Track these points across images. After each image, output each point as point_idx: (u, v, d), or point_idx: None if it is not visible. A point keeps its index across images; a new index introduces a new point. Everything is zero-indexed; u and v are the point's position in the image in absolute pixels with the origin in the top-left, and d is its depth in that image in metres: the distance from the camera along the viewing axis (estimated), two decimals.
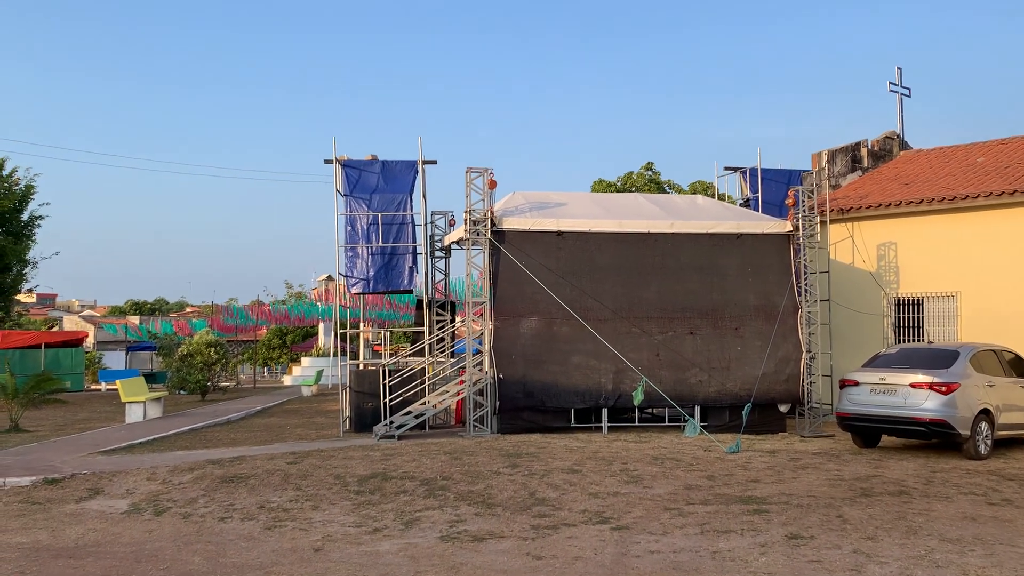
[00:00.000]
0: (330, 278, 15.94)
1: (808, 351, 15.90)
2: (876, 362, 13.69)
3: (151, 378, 40.75)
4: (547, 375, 14.99)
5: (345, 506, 9.50)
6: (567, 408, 15.13)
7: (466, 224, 15.07)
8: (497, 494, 9.83)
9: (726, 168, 19.41)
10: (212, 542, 8.28)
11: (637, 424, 15.81)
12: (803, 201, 16.23)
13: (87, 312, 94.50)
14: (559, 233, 15.33)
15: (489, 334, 15.00)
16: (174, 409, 22.96)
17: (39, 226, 33.53)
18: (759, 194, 18.61)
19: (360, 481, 10.48)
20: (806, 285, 16.15)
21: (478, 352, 15.44)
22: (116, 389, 26.26)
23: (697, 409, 15.20)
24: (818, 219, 16.48)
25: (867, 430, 13.34)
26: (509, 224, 15.19)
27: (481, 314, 15.44)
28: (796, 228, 16.20)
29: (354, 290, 16.59)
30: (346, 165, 16.85)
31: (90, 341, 58.10)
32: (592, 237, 15.43)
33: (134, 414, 19.79)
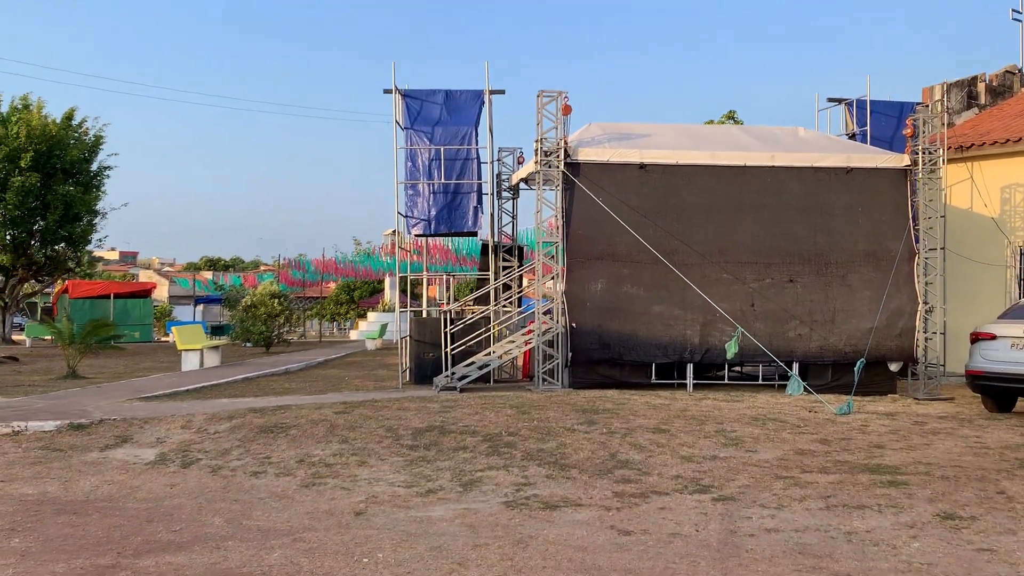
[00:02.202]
0: (395, 232, 14.86)
1: (925, 303, 13.92)
2: (1013, 313, 11.73)
3: (219, 330, 40.68)
4: (625, 325, 13.43)
5: (396, 463, 8.21)
6: (647, 362, 13.55)
7: (537, 155, 13.50)
8: (572, 454, 8.40)
9: (829, 100, 17.29)
10: (238, 500, 7.08)
11: (726, 382, 14.15)
12: (923, 132, 14.13)
13: (165, 269, 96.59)
14: (642, 166, 13.63)
15: (561, 278, 13.49)
16: (236, 359, 22.26)
17: (108, 176, 33.38)
18: (867, 128, 16.47)
19: (415, 435, 9.19)
20: (927, 229, 14.11)
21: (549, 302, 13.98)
22: None
23: (795, 366, 13.45)
24: (941, 152, 14.36)
25: (1005, 391, 11.41)
26: (585, 155, 13.55)
27: (553, 257, 13.93)
28: (914, 163, 14.14)
29: (415, 231, 15.24)
30: (407, 95, 15.41)
31: (163, 295, 58.88)
32: (680, 171, 13.68)
33: (190, 362, 19.03)
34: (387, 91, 15.31)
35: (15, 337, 33.85)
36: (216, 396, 12.81)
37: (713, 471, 7.83)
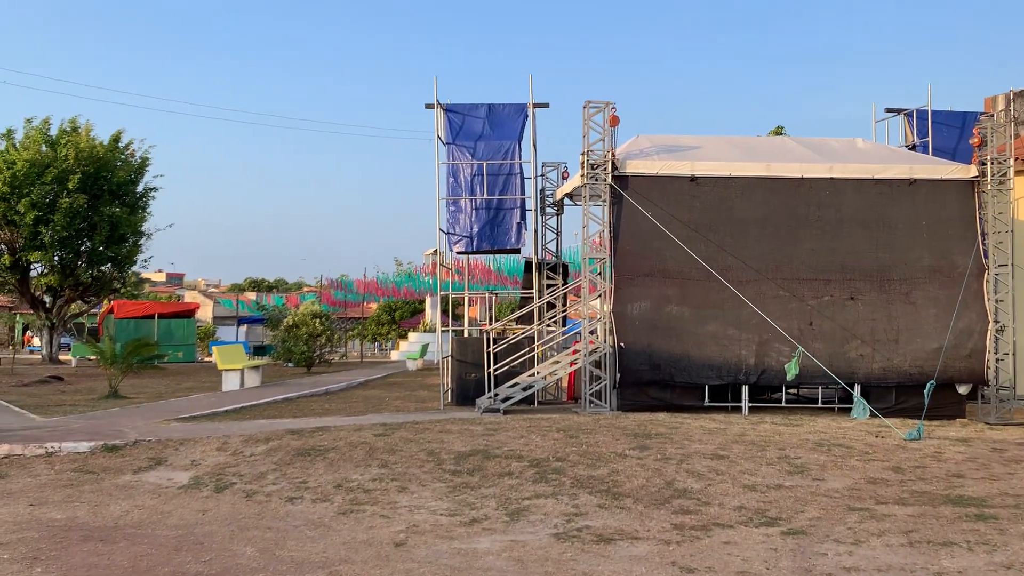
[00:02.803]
0: (436, 252, 14.60)
1: (995, 321, 13.12)
2: None
3: (261, 350, 40.68)
4: (676, 345, 12.86)
5: (438, 489, 7.76)
6: (699, 384, 12.95)
7: (583, 168, 13.05)
8: (625, 481, 7.87)
9: (887, 110, 16.57)
10: (272, 528, 6.69)
11: (783, 405, 13.46)
12: (992, 140, 13.40)
13: (211, 290, 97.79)
14: (693, 178, 13.09)
15: (608, 296, 12.98)
16: (277, 379, 22.05)
17: (153, 198, 33.66)
18: (928, 139, 15.73)
19: (457, 459, 8.73)
20: (996, 243, 13.32)
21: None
22: None
23: (857, 388, 12.73)
24: (1012, 162, 13.58)
25: None
26: (633, 168, 13.06)
27: (600, 275, 13.43)
28: (982, 174, 13.40)
29: (457, 248, 14.86)
30: (448, 109, 15.11)
31: (208, 315, 59.43)
32: (733, 183, 13.12)
33: (231, 382, 18.82)
34: (428, 106, 15.03)
35: (62, 357, 34.19)
36: (254, 417, 12.51)
37: (779, 501, 7.25)
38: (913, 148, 16.00)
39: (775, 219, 13.09)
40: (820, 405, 13.39)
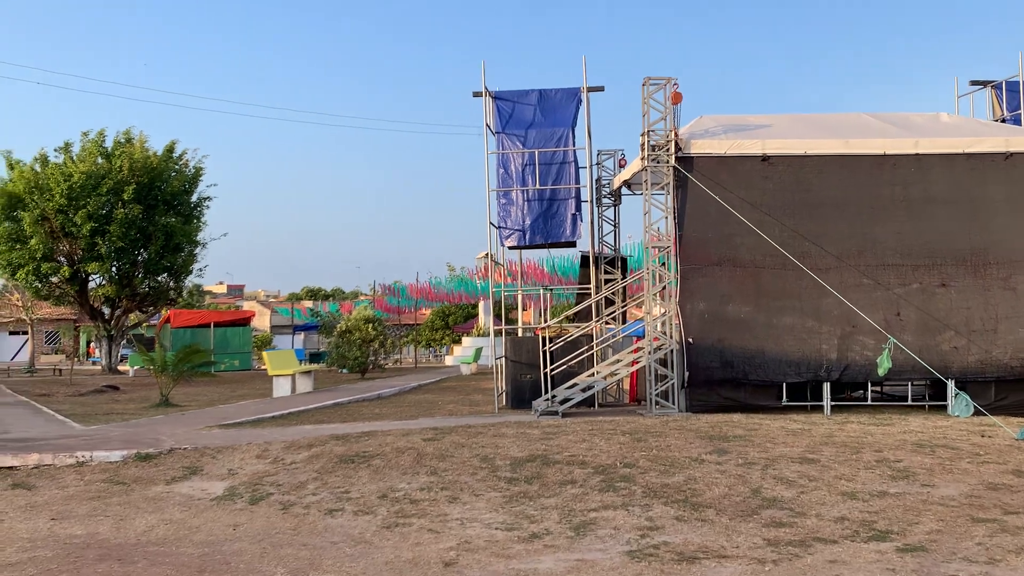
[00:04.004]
0: (488, 255, 14.12)
1: None
2: None
3: (317, 357, 40.52)
4: (750, 340, 11.84)
5: (493, 499, 6.96)
6: (776, 382, 11.91)
7: (643, 151, 12.13)
8: (704, 490, 6.95)
9: (972, 83, 15.32)
10: (308, 545, 5.96)
11: (869, 403, 12.32)
12: None
13: (270, 301, 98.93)
14: (764, 158, 12.07)
15: (674, 288, 12.04)
16: (330, 385, 21.58)
17: (207, 207, 33.70)
18: (1021, 112, 14.44)
19: (514, 466, 7.91)
20: None
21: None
22: None
23: (951, 383, 11.55)
24: None
25: None
26: (698, 148, 12.09)
27: (664, 265, 12.50)
28: None
29: (508, 243, 14.08)
30: (497, 97, 14.35)
31: (265, 324, 59.86)
32: (809, 162, 12.05)
33: (281, 388, 18.35)
34: (476, 94, 14.30)
35: (120, 367, 34.44)
36: (301, 422, 11.89)
37: (887, 511, 6.26)
38: (1003, 123, 14.71)
39: (856, 200, 11.99)
40: (910, 403, 12.22)
